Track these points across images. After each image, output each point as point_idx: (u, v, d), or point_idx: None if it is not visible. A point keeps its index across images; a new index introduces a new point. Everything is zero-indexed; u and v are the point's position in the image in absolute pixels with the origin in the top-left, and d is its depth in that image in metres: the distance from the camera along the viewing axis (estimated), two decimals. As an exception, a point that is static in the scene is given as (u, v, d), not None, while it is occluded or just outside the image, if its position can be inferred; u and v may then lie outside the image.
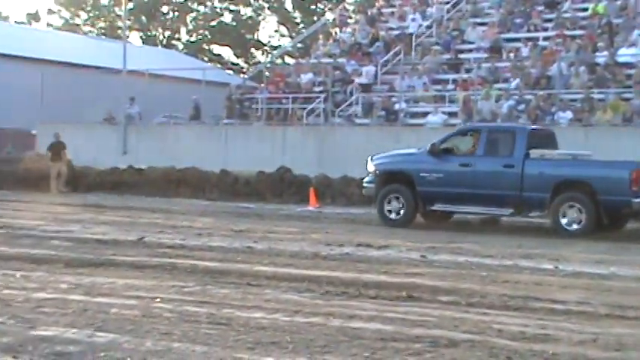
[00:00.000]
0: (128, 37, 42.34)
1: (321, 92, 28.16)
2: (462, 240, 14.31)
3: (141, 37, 62.61)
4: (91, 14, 63.87)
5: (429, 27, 30.59)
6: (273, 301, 8.28)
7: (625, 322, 7.67)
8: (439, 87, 27.40)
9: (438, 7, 31.31)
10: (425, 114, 25.78)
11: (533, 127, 18.56)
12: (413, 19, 30.99)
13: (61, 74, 33.24)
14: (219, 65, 58.01)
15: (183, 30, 64.10)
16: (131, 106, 30.02)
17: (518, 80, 25.20)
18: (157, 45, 60.03)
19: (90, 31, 61.48)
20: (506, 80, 25.88)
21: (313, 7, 59.91)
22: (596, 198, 15.44)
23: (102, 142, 29.06)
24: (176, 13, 63.22)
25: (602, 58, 24.91)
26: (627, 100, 22.95)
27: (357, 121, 26.73)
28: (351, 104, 27.67)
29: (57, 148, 26.35)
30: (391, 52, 29.34)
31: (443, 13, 31.12)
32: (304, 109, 27.76)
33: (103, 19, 63.55)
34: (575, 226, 15.56)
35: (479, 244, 13.67)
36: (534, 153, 16.32)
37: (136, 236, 13.61)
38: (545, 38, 27.44)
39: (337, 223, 17.50)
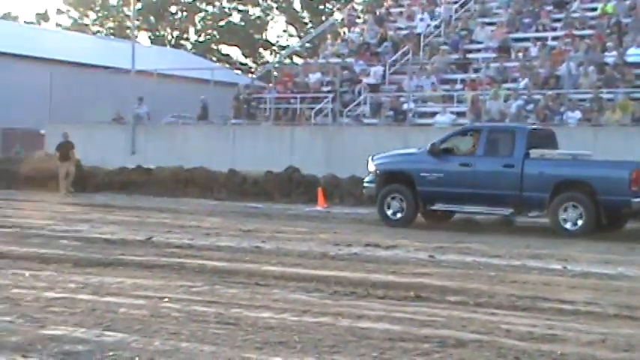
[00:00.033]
0: (137, 37, 42.47)
1: (329, 92, 28.14)
2: (470, 240, 14.29)
3: (149, 37, 62.77)
4: (99, 14, 64.05)
5: (437, 27, 30.56)
6: (281, 301, 8.28)
7: (633, 323, 7.64)
8: (447, 87, 27.35)
9: (446, 7, 31.26)
10: (433, 114, 25.74)
11: (533, 126, 18.48)
12: (421, 19, 30.95)
13: (69, 74, 33.28)
14: (227, 65, 58.07)
15: (191, 30, 64.23)
16: (139, 106, 30.03)
17: (526, 80, 25.13)
18: (165, 45, 60.13)
19: (99, 31, 61.66)
20: (514, 80, 25.81)
21: (322, 7, 59.92)
22: (596, 198, 15.40)
23: (110, 142, 29.07)
24: (184, 13, 63.31)
25: (611, 57, 24.84)
26: (636, 99, 22.88)
27: (365, 121, 26.69)
28: (359, 104, 27.65)
29: (65, 148, 26.28)
30: (399, 52, 29.30)
31: (451, 12, 31.09)
32: (312, 109, 27.74)
33: (111, 19, 63.73)
34: (574, 226, 15.52)
35: (487, 244, 13.65)
36: (534, 153, 16.28)
37: (144, 236, 13.63)
38: (554, 38, 27.38)
39: (345, 223, 17.49)
